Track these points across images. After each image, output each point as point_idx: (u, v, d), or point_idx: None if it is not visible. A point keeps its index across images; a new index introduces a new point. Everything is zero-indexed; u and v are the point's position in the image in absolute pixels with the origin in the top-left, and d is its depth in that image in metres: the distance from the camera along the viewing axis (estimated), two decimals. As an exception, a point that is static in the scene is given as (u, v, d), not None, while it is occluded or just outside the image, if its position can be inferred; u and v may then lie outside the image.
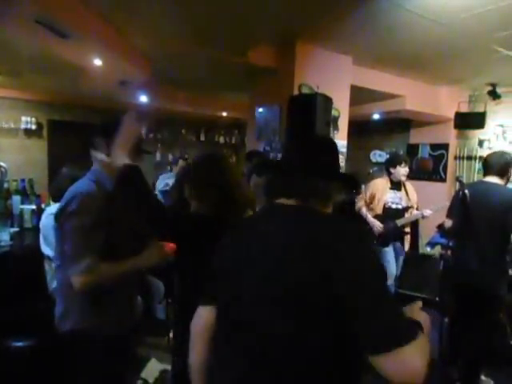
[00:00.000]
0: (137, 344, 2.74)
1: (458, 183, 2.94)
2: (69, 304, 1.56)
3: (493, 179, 2.71)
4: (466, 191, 2.61)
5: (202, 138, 7.57)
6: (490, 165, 2.74)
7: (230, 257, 1.07)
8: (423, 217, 3.70)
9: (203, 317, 1.13)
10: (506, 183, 2.75)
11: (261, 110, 4.23)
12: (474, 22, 2.99)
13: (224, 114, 6.96)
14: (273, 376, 0.91)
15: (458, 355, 2.84)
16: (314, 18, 3.14)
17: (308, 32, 3.47)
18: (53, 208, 2.42)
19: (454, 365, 2.85)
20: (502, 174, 2.69)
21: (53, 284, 2.36)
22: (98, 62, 3.63)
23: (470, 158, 5.57)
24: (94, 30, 3.20)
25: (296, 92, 3.68)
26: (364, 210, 3.88)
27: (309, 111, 3.33)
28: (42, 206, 3.51)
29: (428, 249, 4.92)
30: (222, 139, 7.79)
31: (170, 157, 7.10)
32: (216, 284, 1.09)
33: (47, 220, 2.42)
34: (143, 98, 5.68)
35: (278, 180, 1.10)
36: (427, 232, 4.82)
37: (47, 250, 2.41)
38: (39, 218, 2.62)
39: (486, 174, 2.80)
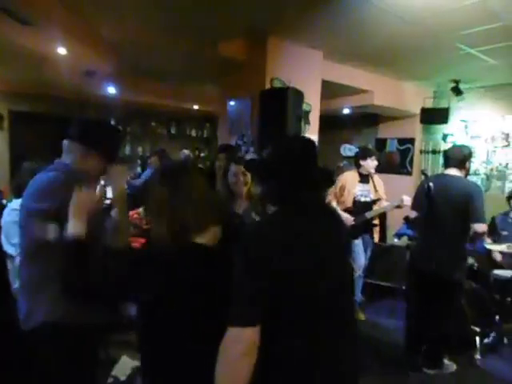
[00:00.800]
0: (108, 340, 2.68)
1: (422, 176, 3.06)
2: (35, 300, 1.51)
3: (452, 171, 2.86)
4: (431, 184, 2.72)
5: (173, 131, 7.44)
6: (450, 158, 2.91)
7: (302, 257, 1.14)
8: (398, 206, 3.72)
9: (248, 339, 1.06)
10: (465, 175, 2.91)
11: (232, 103, 4.21)
12: (439, 20, 3.09)
13: (195, 106, 6.87)
14: (352, 342, 1.26)
15: (422, 341, 2.98)
16: (285, 13, 3.15)
17: (279, 26, 3.48)
18: (14, 204, 2.32)
19: (419, 351, 2.98)
20: (460, 166, 2.85)
21: (15, 284, 2.26)
22: (62, 50, 3.49)
23: (434, 151, 5.78)
24: (58, 17, 3.06)
25: (268, 86, 3.68)
26: (334, 204, 3.95)
27: (281, 105, 3.34)
28: (4, 201, 3.35)
29: (395, 240, 5.10)
30: (193, 132, 7.69)
31: (140, 150, 6.95)
32: (267, 299, 1.09)
33: (9, 217, 2.32)
34: (111, 90, 5.51)
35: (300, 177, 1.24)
36: (394, 224, 5.00)
37: (9, 248, 2.31)
38: (0, 215, 2.51)
39: (446, 167, 2.95)
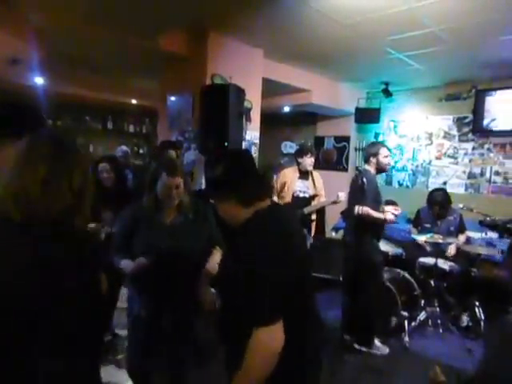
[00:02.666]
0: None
1: (357, 172, 3.26)
2: None
3: (365, 167, 3.25)
4: (364, 179, 2.91)
5: (110, 126, 7.09)
6: (364, 155, 3.28)
7: (296, 247, 1.30)
8: (334, 202, 3.88)
9: (281, 336, 1.13)
10: (376, 170, 3.22)
11: (173, 98, 4.11)
12: (371, 25, 3.28)
13: (134, 101, 6.60)
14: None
15: (355, 324, 3.23)
16: (225, 9, 3.14)
17: (220, 22, 3.46)
18: None
19: (353, 332, 3.26)
20: (368, 162, 3.23)
21: None
22: (-20, 35, 3.16)
23: (367, 149, 6.14)
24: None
25: (208, 82, 3.65)
26: (275, 199, 4.04)
27: (222, 102, 3.33)
28: None
29: (333, 233, 5.34)
30: (131, 128, 7.39)
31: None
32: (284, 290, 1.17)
33: None
34: (38, 80, 5.11)
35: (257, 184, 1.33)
36: (332, 218, 5.23)
37: None
38: None
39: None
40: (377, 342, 3.25)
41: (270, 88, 4.69)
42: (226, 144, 3.33)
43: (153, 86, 5.02)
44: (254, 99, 4.09)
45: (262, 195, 1.32)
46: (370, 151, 3.25)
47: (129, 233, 1.96)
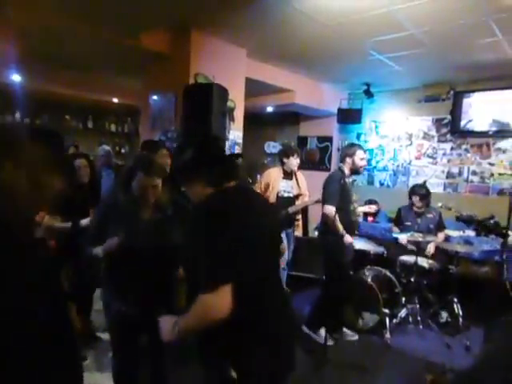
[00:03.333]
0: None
1: (339, 172, 3.30)
2: None
3: (341, 166, 3.32)
4: (346, 179, 2.98)
5: (90, 125, 6.96)
6: (340, 155, 3.43)
7: (251, 225, 1.31)
8: (318, 201, 3.92)
9: (224, 304, 1.16)
10: (350, 171, 3.31)
11: (155, 97, 4.07)
12: (353, 26, 3.33)
13: (115, 99, 6.50)
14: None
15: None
16: (209, 7, 3.13)
17: (203, 21, 3.44)
18: None
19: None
20: (343, 162, 3.31)
21: None
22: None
23: (350, 149, 6.21)
24: None
25: (192, 81, 3.63)
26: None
27: (205, 101, 3.32)
28: None
29: (316, 233, 5.38)
30: (113, 127, 7.27)
31: (52, 145, 6.38)
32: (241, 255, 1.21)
33: None
34: (15, 77, 4.97)
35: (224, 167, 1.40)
36: (315, 218, 5.28)
37: None
38: None
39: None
40: (323, 331, 3.32)
41: (254, 88, 4.69)
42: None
43: (135, 84, 4.96)
44: (237, 99, 4.09)
45: (230, 177, 1.39)
46: (346, 152, 3.34)
47: (103, 228, 1.94)
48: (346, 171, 3.28)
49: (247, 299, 1.21)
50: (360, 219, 4.98)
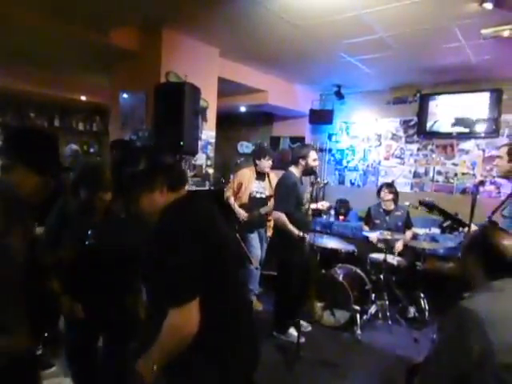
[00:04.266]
0: None
1: (291, 174, 3.36)
2: None
3: (292, 168, 3.38)
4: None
5: (57, 123, 6.71)
6: (293, 156, 3.49)
7: (218, 235, 1.33)
8: None
9: (194, 317, 1.16)
10: (302, 173, 3.38)
11: (125, 95, 3.98)
12: (324, 28, 3.38)
13: (83, 97, 6.30)
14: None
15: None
16: (180, 5, 3.09)
17: (175, 19, 3.40)
18: None
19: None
20: (296, 163, 3.38)
21: None
22: None
23: (321, 150, 6.31)
24: None
25: (163, 80, 3.58)
26: (232, 200, 4.05)
27: (177, 100, 3.28)
28: None
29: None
30: (81, 126, 7.04)
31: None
32: (204, 268, 1.20)
33: None
34: (-24, 73, 4.73)
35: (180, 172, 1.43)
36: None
37: None
38: None
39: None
40: (292, 330, 3.41)
41: (226, 87, 4.68)
42: (181, 143, 3.28)
43: (104, 82, 4.83)
44: (209, 98, 4.06)
45: (184, 181, 1.41)
46: (299, 153, 3.39)
47: (57, 232, 1.90)
48: (298, 173, 3.35)
49: (214, 312, 1.21)
50: (316, 217, 5.07)
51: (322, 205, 3.68)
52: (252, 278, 4.08)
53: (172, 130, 3.28)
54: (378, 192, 4.42)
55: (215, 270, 1.24)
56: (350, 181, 6.14)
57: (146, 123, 3.78)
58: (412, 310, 3.87)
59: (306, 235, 3.16)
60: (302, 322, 3.45)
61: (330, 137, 6.29)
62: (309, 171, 3.38)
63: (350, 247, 4.17)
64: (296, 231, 3.15)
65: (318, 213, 5.21)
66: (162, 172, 1.32)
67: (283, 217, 3.18)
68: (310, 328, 3.57)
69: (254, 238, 4.03)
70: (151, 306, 1.36)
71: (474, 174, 5.03)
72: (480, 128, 4.83)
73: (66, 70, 5.20)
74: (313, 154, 3.34)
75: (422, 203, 3.20)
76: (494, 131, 4.74)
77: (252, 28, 3.46)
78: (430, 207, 3.14)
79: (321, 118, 5.92)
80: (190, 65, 3.82)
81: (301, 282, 3.35)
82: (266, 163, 4.02)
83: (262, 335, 3.42)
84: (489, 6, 2.71)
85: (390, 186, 4.40)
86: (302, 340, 3.20)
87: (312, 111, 5.93)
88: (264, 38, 3.73)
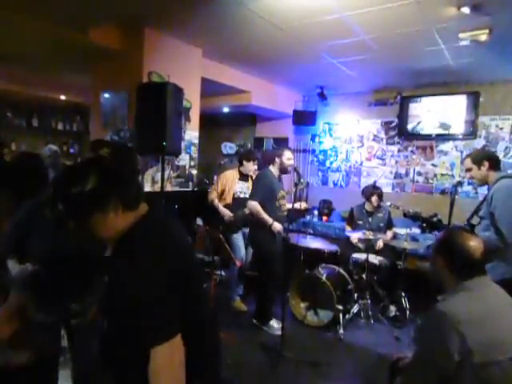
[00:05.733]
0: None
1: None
2: None
3: (270, 167, 3.55)
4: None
5: (35, 123, 6.56)
6: (270, 156, 3.64)
7: (189, 262, 1.24)
8: None
9: (181, 346, 1.09)
10: (279, 171, 3.54)
11: (106, 95, 3.92)
12: (307, 30, 3.40)
13: (63, 97, 6.18)
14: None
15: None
16: (162, 5, 3.06)
17: (157, 18, 3.36)
18: None
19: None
20: (272, 163, 3.49)
21: None
22: None
23: (305, 150, 6.36)
24: None
25: (145, 79, 3.54)
26: (216, 202, 4.04)
27: (159, 100, 3.24)
28: None
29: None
30: (60, 126, 6.90)
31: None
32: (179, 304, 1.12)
33: None
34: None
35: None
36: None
37: None
38: None
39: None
40: (273, 322, 3.53)
41: (210, 88, 4.66)
42: (164, 144, 3.25)
43: (84, 81, 4.74)
44: (192, 99, 4.04)
45: (142, 197, 1.23)
46: (275, 153, 3.58)
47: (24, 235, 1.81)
48: (275, 171, 3.51)
49: (191, 339, 1.15)
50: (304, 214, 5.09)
51: (300, 205, 3.80)
52: (235, 279, 4.08)
53: (155, 131, 3.24)
54: (364, 194, 4.45)
55: (186, 297, 1.16)
56: (333, 181, 6.20)
57: (127, 123, 3.73)
58: (393, 309, 3.93)
59: (277, 224, 3.32)
60: (273, 322, 3.56)
61: (313, 138, 6.35)
62: (285, 169, 3.51)
63: (333, 247, 4.21)
64: (270, 220, 3.32)
65: (301, 214, 5.28)
66: (117, 190, 1.13)
67: (257, 205, 3.36)
68: (278, 331, 3.40)
69: (238, 238, 4.02)
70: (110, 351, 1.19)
71: (452, 175, 5.16)
72: (458, 130, 4.95)
73: (44, 68, 5.07)
74: (287, 153, 3.48)
75: (406, 215, 3.28)
76: (472, 133, 4.87)
77: (235, 29, 3.46)
78: (415, 217, 3.23)
79: (304, 119, 5.97)
80: (173, 65, 3.79)
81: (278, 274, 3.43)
82: (251, 167, 4.07)
83: (247, 336, 3.41)
84: (466, 10, 2.78)
85: (377, 188, 4.44)
86: (278, 333, 3.28)
87: (295, 112, 5.96)
88: (247, 39, 3.73)
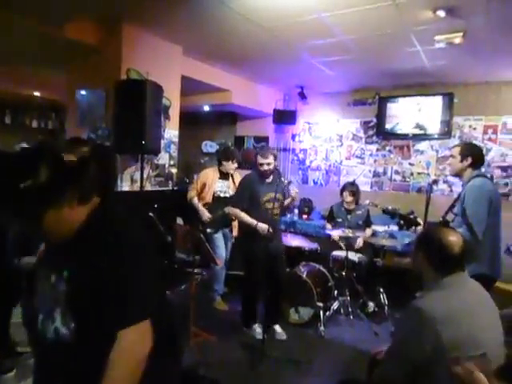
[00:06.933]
0: None
1: (276, 172, 3.38)
2: None
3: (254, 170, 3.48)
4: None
5: (8, 120, 6.34)
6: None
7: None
8: None
9: (150, 335, 1.02)
10: (261, 174, 3.39)
11: (83, 92, 3.83)
12: (288, 30, 3.42)
13: (37, 93, 6.00)
14: None
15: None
16: (140, 1, 3.01)
17: (135, 14, 3.31)
18: None
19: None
20: (255, 166, 3.40)
21: None
22: None
23: (285, 149, 6.39)
24: None
25: (124, 76, 3.48)
26: (195, 200, 4.01)
27: (138, 98, 3.20)
28: None
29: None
30: (34, 123, 6.70)
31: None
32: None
33: None
34: None
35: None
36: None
37: None
38: None
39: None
40: (256, 326, 3.48)
41: (190, 86, 4.62)
42: (143, 142, 3.20)
43: (60, 77, 4.61)
44: (172, 97, 4.00)
45: (96, 188, 1.14)
46: (253, 158, 3.53)
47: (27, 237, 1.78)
48: (257, 175, 3.36)
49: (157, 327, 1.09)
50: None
51: (289, 200, 3.56)
52: (216, 279, 4.07)
53: (133, 129, 3.20)
54: (341, 192, 4.53)
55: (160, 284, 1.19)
56: (313, 180, 6.25)
57: (105, 121, 3.66)
58: (372, 305, 4.01)
59: (270, 230, 3.17)
60: (278, 328, 3.49)
61: (293, 137, 6.38)
62: (262, 173, 3.31)
63: (314, 245, 4.25)
64: (254, 222, 3.21)
65: (300, 213, 5.33)
66: (72, 182, 1.04)
67: (233, 209, 3.37)
68: (284, 336, 3.46)
69: (219, 238, 4.01)
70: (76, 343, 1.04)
71: (428, 174, 5.29)
72: (434, 130, 5.07)
73: (18, 63, 4.91)
74: (258, 159, 3.30)
75: (385, 211, 3.32)
76: (447, 133, 5.00)
77: (216, 27, 3.44)
78: (393, 214, 3.28)
79: (284, 118, 5.99)
80: (152, 62, 3.74)
81: (269, 281, 3.34)
82: (231, 165, 4.04)
83: (228, 335, 3.41)
84: (442, 13, 2.86)
85: (352, 185, 4.52)
86: (260, 337, 3.25)
87: (276, 111, 5.98)
88: (228, 38, 3.71)
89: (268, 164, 3.27)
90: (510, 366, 1.43)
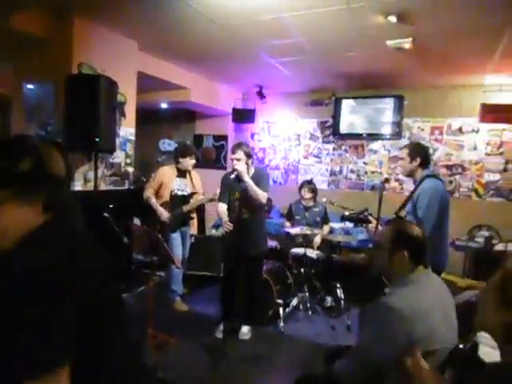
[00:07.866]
0: None
1: (234, 171, 3.37)
2: None
3: None
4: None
5: None
6: None
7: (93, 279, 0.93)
8: (212, 200, 3.97)
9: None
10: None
11: (30, 86, 3.62)
12: (247, 29, 3.43)
13: (-22, 86, 5.57)
14: None
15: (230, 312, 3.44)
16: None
17: (88, 7, 3.17)
18: None
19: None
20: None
21: None
22: None
23: (244, 148, 6.40)
24: None
25: (75, 71, 3.32)
26: (153, 200, 3.86)
27: (91, 93, 3.08)
28: None
29: (213, 231, 5.43)
30: (-24, 118, 6.23)
31: None
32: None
33: None
34: None
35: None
36: (212, 216, 5.31)
37: None
38: None
39: None
40: (221, 326, 3.41)
41: (147, 83, 4.51)
42: (97, 140, 3.08)
43: (4, 70, 4.32)
44: (128, 93, 3.88)
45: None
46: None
47: None
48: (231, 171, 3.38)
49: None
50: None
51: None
52: (175, 279, 4.00)
53: (86, 126, 3.07)
54: (300, 189, 4.62)
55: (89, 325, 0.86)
56: (273, 179, 6.31)
57: (55, 117, 3.47)
58: (329, 300, 4.13)
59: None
60: (243, 329, 3.47)
61: (252, 136, 6.42)
62: (234, 170, 3.20)
63: (273, 243, 4.30)
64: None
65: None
66: (51, 183, 0.93)
67: (219, 207, 3.43)
68: (248, 336, 3.43)
69: (176, 237, 3.94)
70: None
71: (380, 172, 5.53)
72: (386, 130, 5.31)
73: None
74: (229, 154, 3.42)
75: (345, 218, 3.41)
76: (397, 133, 5.25)
77: (172, 23, 3.38)
78: (351, 219, 3.39)
79: (243, 116, 6.01)
80: (106, 57, 3.61)
81: (239, 281, 3.34)
82: (189, 162, 3.95)
83: (188, 336, 3.37)
84: (393, 19, 2.99)
85: (310, 183, 4.63)
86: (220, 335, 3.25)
87: (235, 110, 5.99)
88: (185, 34, 3.66)
89: (237, 159, 3.19)
90: (456, 356, 1.51)
